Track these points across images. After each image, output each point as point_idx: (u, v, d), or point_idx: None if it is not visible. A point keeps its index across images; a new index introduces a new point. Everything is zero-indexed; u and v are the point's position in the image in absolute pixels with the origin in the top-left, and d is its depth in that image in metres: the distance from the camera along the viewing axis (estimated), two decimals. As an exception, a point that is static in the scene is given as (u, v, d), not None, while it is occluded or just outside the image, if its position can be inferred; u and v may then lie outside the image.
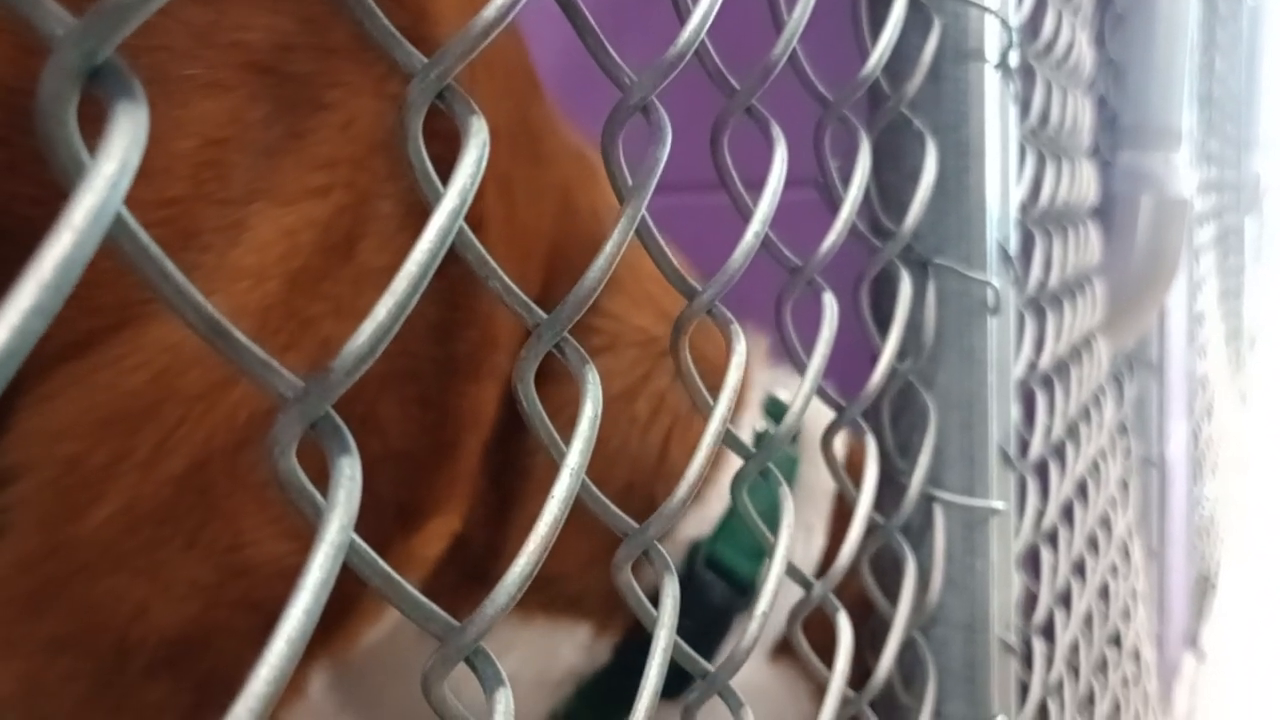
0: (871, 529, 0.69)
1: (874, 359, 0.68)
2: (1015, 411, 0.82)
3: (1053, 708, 0.93)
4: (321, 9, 0.70)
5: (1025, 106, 0.92)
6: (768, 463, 0.53)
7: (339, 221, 0.70)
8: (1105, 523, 1.22)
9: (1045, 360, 0.96)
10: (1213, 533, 2.43)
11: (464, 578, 0.82)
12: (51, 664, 0.64)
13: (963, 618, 0.76)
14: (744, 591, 0.89)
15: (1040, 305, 0.97)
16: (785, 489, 0.54)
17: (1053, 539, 0.99)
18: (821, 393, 0.60)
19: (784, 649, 0.89)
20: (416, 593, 0.31)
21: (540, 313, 0.37)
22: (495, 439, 0.80)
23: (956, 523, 0.75)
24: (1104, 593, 1.20)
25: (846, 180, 0.62)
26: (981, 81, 0.74)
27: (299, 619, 0.25)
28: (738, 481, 0.53)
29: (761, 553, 0.87)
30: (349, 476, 0.27)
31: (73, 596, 0.64)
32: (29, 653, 0.64)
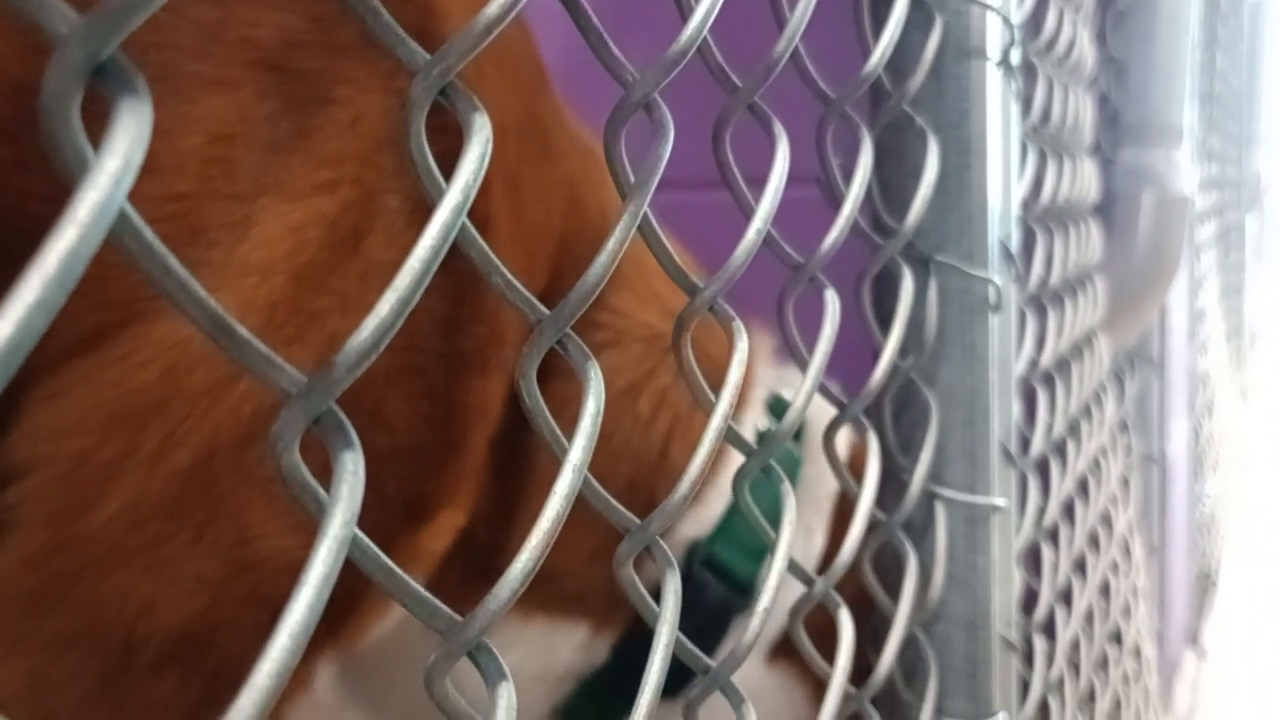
0: (873, 526, 0.69)
1: (876, 356, 0.69)
2: (1016, 409, 0.82)
3: (1054, 705, 0.93)
4: (329, 6, 0.70)
5: (1027, 104, 0.92)
6: (770, 460, 0.53)
7: (346, 217, 0.70)
8: (1106, 520, 1.22)
9: (1046, 357, 0.96)
10: (1214, 530, 2.43)
11: (470, 573, 0.82)
12: (58, 660, 0.64)
13: (964, 614, 0.76)
14: (743, 592, 0.88)
15: (1041, 302, 0.97)
16: (787, 485, 0.54)
17: (1054, 536, 0.99)
18: (824, 390, 0.60)
19: (781, 651, 0.89)
20: (419, 588, 0.31)
21: (542, 309, 0.37)
22: (501, 434, 0.80)
23: (958, 520, 0.76)
24: (1105, 590, 1.20)
25: (848, 178, 0.62)
26: (983, 79, 0.74)
27: (302, 613, 0.25)
28: (739, 478, 0.53)
29: (761, 553, 0.87)
30: (352, 471, 0.27)
31: (79, 593, 0.64)
32: (35, 649, 0.64)
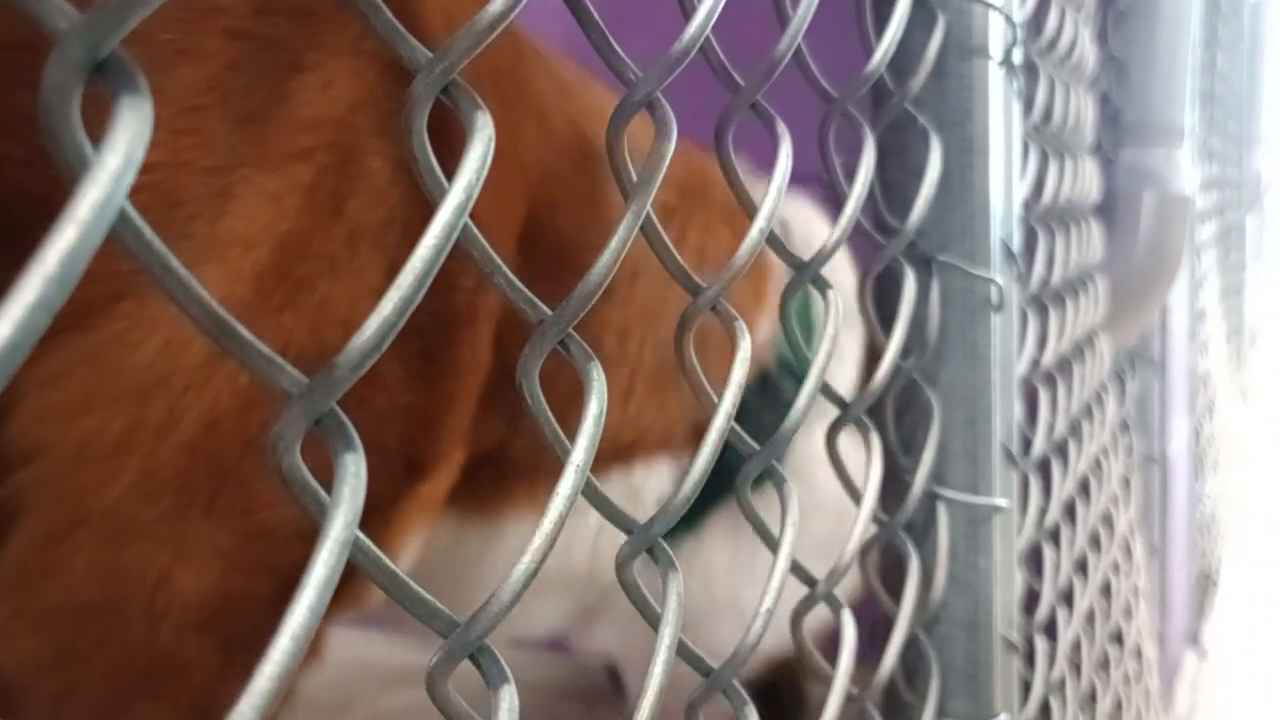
0: (875, 526, 0.69)
1: (878, 356, 0.68)
2: (1018, 409, 0.82)
3: (1055, 705, 0.93)
4: None
5: (1028, 103, 0.92)
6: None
7: (324, 182, 0.71)
8: (1107, 520, 1.22)
9: (1048, 357, 0.96)
10: (1214, 530, 2.43)
11: (498, 475, 0.90)
12: (83, 631, 0.66)
13: (966, 615, 0.76)
14: None
15: (1043, 302, 0.97)
16: (789, 485, 0.54)
17: (1055, 537, 0.99)
18: (826, 390, 0.60)
19: None
20: (421, 590, 0.31)
21: (545, 309, 0.37)
22: (495, 361, 0.83)
23: (960, 520, 0.75)
24: (1106, 590, 1.20)
25: (850, 177, 0.62)
26: (985, 78, 0.74)
27: (304, 616, 0.24)
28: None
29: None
30: (353, 473, 0.27)
31: (98, 566, 0.66)
32: (61, 622, 0.66)
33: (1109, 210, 1.39)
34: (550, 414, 0.38)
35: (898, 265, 0.71)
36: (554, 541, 0.33)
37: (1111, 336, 1.31)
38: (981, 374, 0.76)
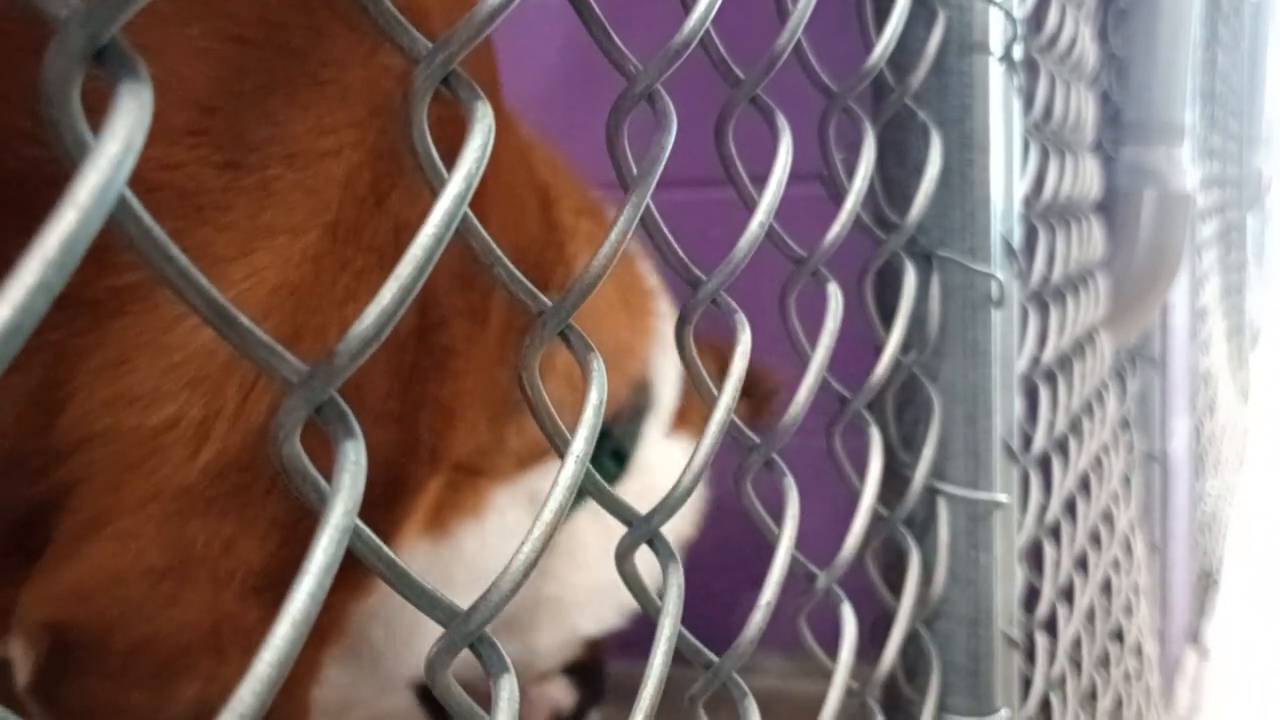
0: (876, 521, 0.69)
1: (878, 352, 0.68)
2: (1018, 406, 0.82)
3: (1055, 702, 0.93)
4: None
5: (1029, 100, 0.92)
6: (773, 453, 0.53)
7: (358, 176, 0.77)
8: (1108, 518, 1.22)
9: (1048, 354, 0.96)
10: (1215, 528, 2.43)
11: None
12: (153, 591, 0.72)
13: (966, 611, 0.76)
14: None
15: (1043, 299, 0.97)
16: (789, 479, 0.54)
17: (1055, 533, 0.99)
18: (826, 385, 0.60)
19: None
20: (421, 580, 0.31)
21: (544, 300, 0.37)
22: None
23: (960, 516, 0.75)
24: (1106, 588, 1.20)
25: (851, 173, 0.62)
26: (986, 75, 0.74)
27: (303, 602, 0.25)
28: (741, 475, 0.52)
29: None
30: (353, 461, 0.27)
31: (168, 535, 0.72)
32: (134, 580, 0.72)
33: (1109, 208, 1.39)
34: (549, 405, 0.38)
35: (898, 260, 0.71)
36: (554, 531, 0.33)
37: (1112, 334, 1.31)
38: (982, 370, 0.76)
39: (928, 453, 0.73)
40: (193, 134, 0.71)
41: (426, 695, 1.17)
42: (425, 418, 0.85)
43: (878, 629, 0.72)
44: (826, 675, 0.58)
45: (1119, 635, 1.24)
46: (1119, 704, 1.21)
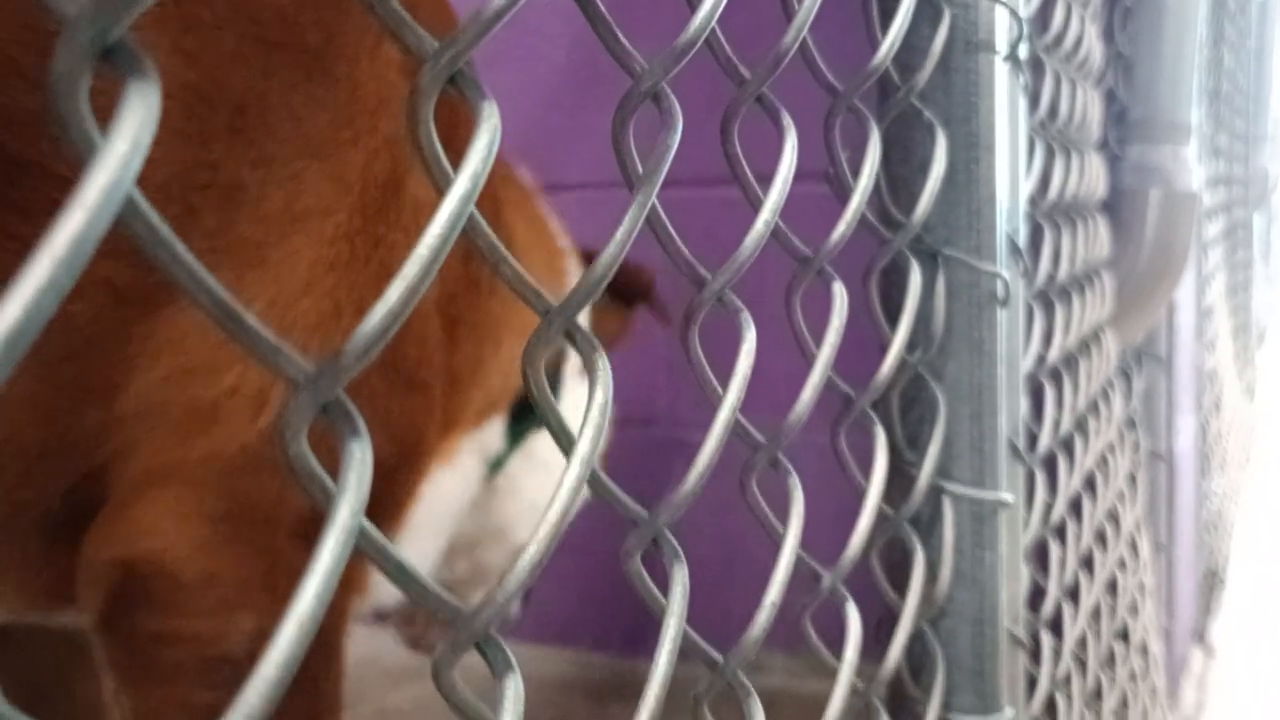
0: (881, 520, 0.69)
1: (883, 351, 0.68)
2: (1024, 404, 0.82)
3: (1061, 702, 0.93)
4: None
5: (1034, 99, 0.92)
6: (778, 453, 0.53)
7: (376, 162, 0.85)
8: (1113, 517, 1.22)
9: (1054, 353, 0.96)
10: (1221, 528, 2.42)
11: None
12: (215, 531, 0.81)
13: (971, 610, 0.76)
14: None
15: (1049, 298, 0.97)
16: (794, 480, 0.54)
17: (1061, 532, 0.99)
18: (831, 383, 0.60)
19: None
20: (427, 580, 0.31)
21: (549, 300, 0.37)
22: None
23: (965, 515, 0.75)
24: (1112, 587, 1.20)
25: (856, 171, 0.62)
26: (991, 73, 0.74)
27: (309, 603, 0.25)
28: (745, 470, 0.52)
29: None
30: (360, 460, 0.27)
31: (228, 486, 0.81)
32: (198, 521, 0.81)
33: (1115, 207, 1.39)
34: (555, 405, 0.38)
35: (903, 259, 0.71)
36: (561, 531, 0.33)
37: (1118, 333, 1.31)
38: (987, 369, 0.76)
39: (933, 451, 0.73)
40: (230, 133, 0.78)
41: None
42: (442, 384, 0.94)
43: (882, 628, 0.72)
44: (831, 674, 0.58)
45: (1124, 634, 1.24)
46: (1124, 703, 1.21)
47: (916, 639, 0.74)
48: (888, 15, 0.66)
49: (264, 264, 0.80)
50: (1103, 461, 1.19)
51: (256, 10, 0.80)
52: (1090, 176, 1.16)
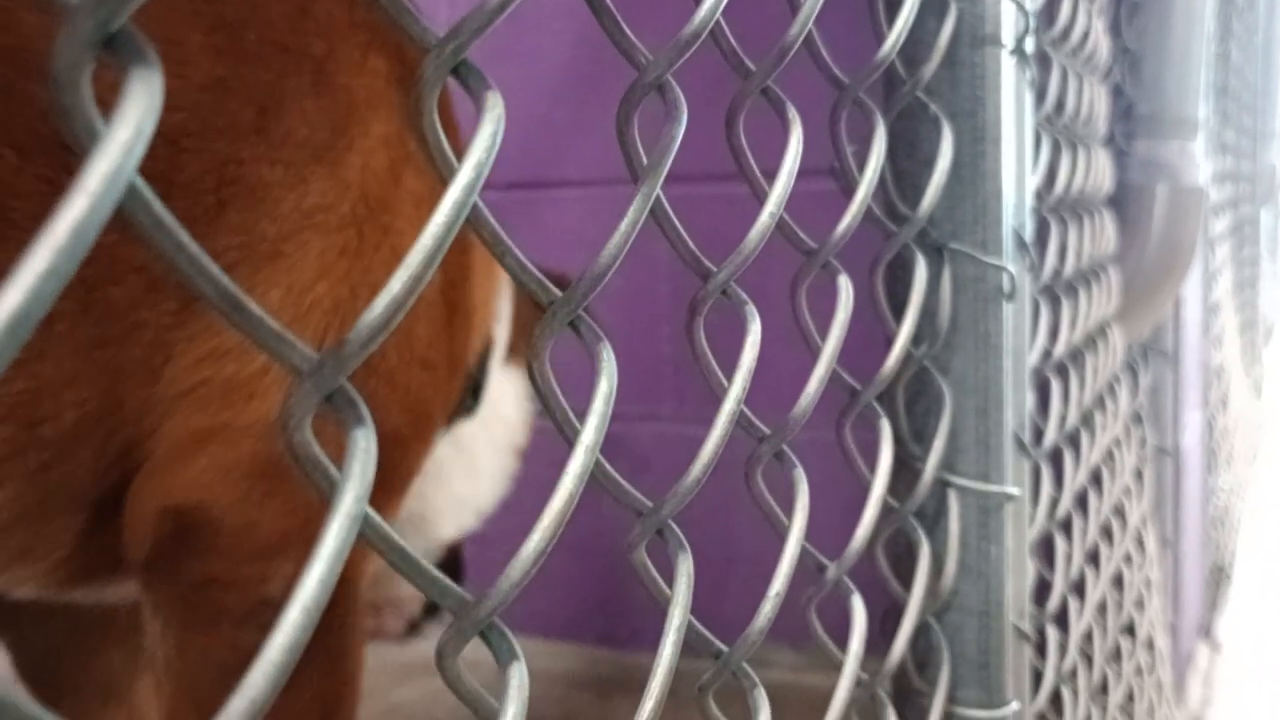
0: (886, 513, 0.69)
1: (889, 345, 0.68)
2: (1030, 399, 0.82)
3: (1066, 696, 0.93)
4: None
5: (1041, 93, 0.91)
6: (782, 445, 0.53)
7: (375, 158, 0.90)
8: (1120, 511, 1.22)
9: (1060, 348, 0.96)
10: (1227, 523, 2.42)
11: None
12: (256, 486, 0.86)
13: (977, 604, 0.76)
14: None
15: (1055, 293, 0.97)
16: (799, 471, 0.54)
17: (1067, 527, 0.99)
18: (836, 376, 0.60)
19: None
20: (431, 568, 0.31)
21: (555, 291, 0.37)
22: None
23: (971, 509, 0.75)
24: (1118, 581, 1.20)
25: (862, 166, 0.62)
26: (998, 67, 0.74)
27: (313, 589, 0.25)
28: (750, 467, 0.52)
29: None
30: (364, 449, 0.27)
31: (266, 448, 0.86)
32: (239, 477, 0.85)
33: (1122, 202, 1.38)
34: (559, 394, 0.38)
35: (909, 253, 0.71)
36: (564, 520, 0.33)
37: (1124, 328, 1.31)
38: (993, 363, 0.76)
39: (938, 445, 0.73)
40: (255, 133, 0.83)
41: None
42: (445, 366, 0.99)
43: (888, 622, 0.72)
44: (837, 668, 0.58)
45: (1130, 629, 1.24)
46: (1130, 698, 1.20)
47: (922, 632, 0.74)
48: (894, 8, 0.65)
49: (278, 255, 0.85)
50: (1109, 456, 1.18)
51: (271, 15, 0.85)
52: (1097, 171, 1.16)
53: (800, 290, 0.57)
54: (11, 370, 0.76)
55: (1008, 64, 0.75)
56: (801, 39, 0.51)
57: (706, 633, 0.45)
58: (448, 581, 0.31)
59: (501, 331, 1.28)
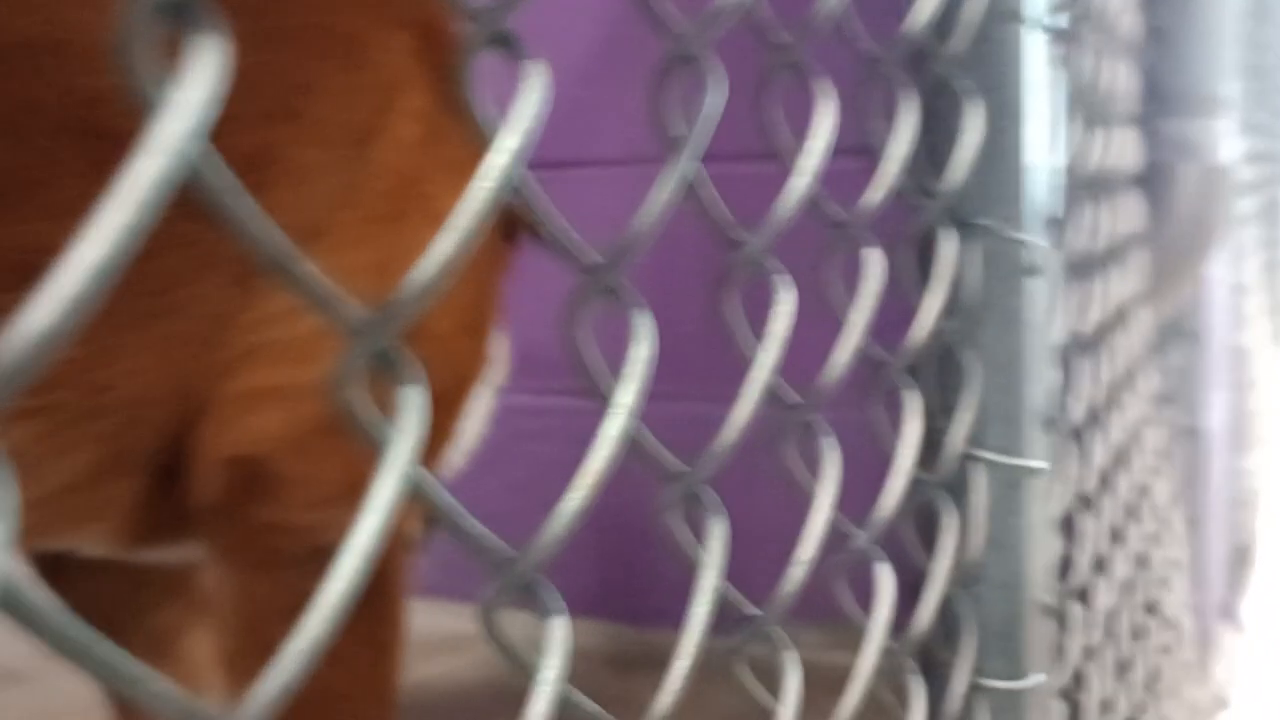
0: (913, 485, 0.70)
1: (912, 321, 0.69)
2: (1056, 376, 0.82)
3: (1090, 671, 0.93)
4: None
5: (1069, 70, 0.91)
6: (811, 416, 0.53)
7: (404, 131, 0.93)
8: (1145, 491, 1.22)
9: (1086, 325, 0.96)
10: (1251, 505, 2.41)
11: None
12: (315, 440, 0.90)
13: (1002, 577, 0.76)
14: None
15: (1082, 270, 0.97)
16: (831, 440, 0.54)
17: (1091, 503, 0.99)
18: (865, 348, 0.61)
19: None
20: (476, 523, 0.32)
21: (596, 255, 0.38)
22: None
23: (998, 482, 0.76)
24: (1143, 560, 1.20)
25: (890, 141, 0.63)
26: (1027, 43, 0.74)
27: (367, 537, 0.25)
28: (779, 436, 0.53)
29: None
30: (416, 405, 0.28)
31: (322, 408, 0.93)
32: (299, 433, 0.90)
33: (1149, 180, 1.38)
34: (599, 357, 0.39)
35: (938, 227, 0.71)
36: (602, 480, 0.34)
37: (1151, 307, 1.31)
38: (1020, 339, 0.76)
39: (966, 417, 0.73)
40: (291, 116, 0.87)
41: None
42: (485, 329, 1.04)
43: (913, 595, 0.72)
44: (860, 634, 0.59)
45: (1154, 608, 1.24)
46: (1154, 676, 1.21)
47: (947, 604, 0.74)
48: (923, -16, 0.66)
49: (320, 235, 0.89)
50: (1134, 435, 1.19)
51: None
52: (1125, 150, 1.15)
53: (829, 264, 0.58)
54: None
55: (1037, 40, 0.75)
56: (833, 12, 0.52)
57: (739, 595, 0.46)
58: (493, 537, 0.32)
59: None
